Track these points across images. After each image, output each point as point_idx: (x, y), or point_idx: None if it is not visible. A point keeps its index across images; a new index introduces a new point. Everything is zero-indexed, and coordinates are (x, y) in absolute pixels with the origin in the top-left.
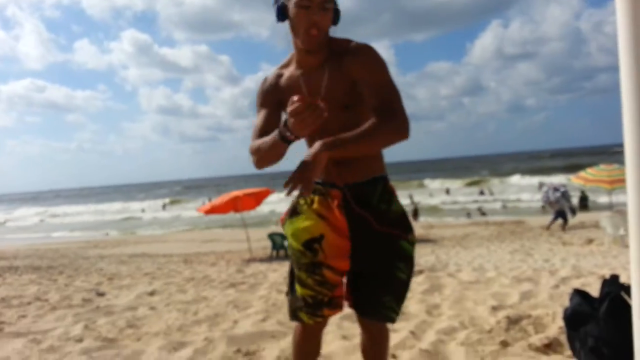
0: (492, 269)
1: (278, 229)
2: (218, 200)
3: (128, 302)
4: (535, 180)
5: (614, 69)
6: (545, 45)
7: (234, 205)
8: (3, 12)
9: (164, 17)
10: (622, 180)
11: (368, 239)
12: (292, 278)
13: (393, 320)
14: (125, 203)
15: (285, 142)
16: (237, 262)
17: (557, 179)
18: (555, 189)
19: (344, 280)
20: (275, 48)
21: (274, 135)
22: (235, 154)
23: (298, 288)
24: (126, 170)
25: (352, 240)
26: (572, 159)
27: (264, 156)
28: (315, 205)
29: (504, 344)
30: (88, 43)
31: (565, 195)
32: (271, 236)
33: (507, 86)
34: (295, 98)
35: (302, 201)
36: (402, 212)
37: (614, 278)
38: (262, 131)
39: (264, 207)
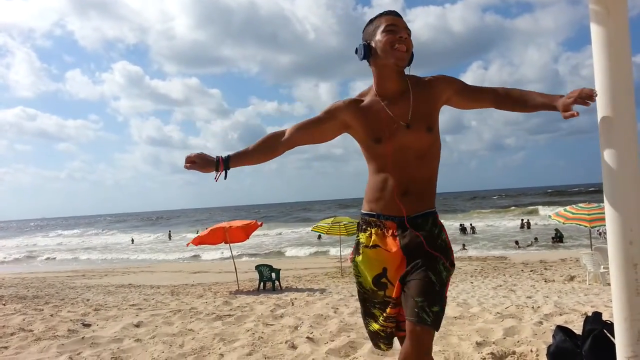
0: (476, 305)
1: (265, 261)
2: (208, 231)
3: (114, 333)
4: (517, 216)
5: (591, 111)
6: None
7: (224, 236)
8: None
9: (156, 50)
10: (602, 219)
11: (417, 257)
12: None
13: (425, 322)
14: (118, 234)
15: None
16: (224, 294)
17: (539, 217)
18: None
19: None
20: (264, 83)
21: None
22: (225, 186)
23: (372, 324)
24: (117, 199)
25: (408, 258)
26: (549, 197)
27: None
28: (372, 238)
29: None
30: (80, 73)
31: None
32: (258, 268)
33: (488, 125)
34: None
35: (362, 239)
36: (447, 245)
37: (597, 315)
38: (304, 127)
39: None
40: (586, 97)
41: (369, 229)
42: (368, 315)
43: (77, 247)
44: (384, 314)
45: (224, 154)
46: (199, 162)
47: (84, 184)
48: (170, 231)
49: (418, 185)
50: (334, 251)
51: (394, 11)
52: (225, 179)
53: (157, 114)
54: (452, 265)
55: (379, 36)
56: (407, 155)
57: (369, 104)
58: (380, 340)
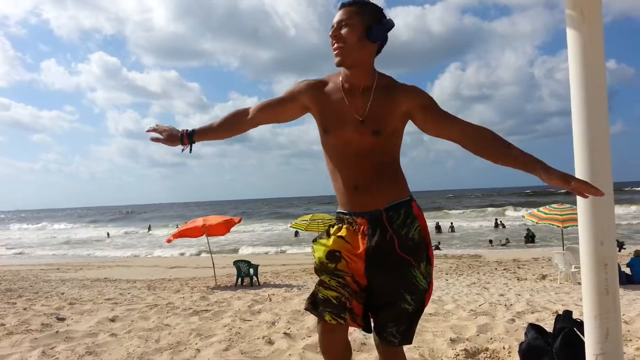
0: (451, 302)
1: (243, 256)
2: (187, 225)
3: (88, 328)
4: (492, 216)
5: (565, 113)
6: (500, 89)
7: (203, 229)
8: None
9: (133, 41)
10: (574, 219)
11: (387, 263)
12: (314, 295)
13: (394, 345)
14: (91, 227)
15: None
16: (201, 289)
17: (513, 217)
18: None
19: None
20: (244, 79)
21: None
22: (203, 181)
23: (322, 290)
24: (92, 192)
25: (371, 264)
26: (523, 198)
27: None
28: (342, 232)
29: None
30: (55, 63)
31: None
32: (236, 263)
33: None
34: None
35: (332, 230)
36: (420, 240)
37: (567, 314)
38: (267, 106)
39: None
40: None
41: (340, 224)
42: (319, 283)
43: (52, 240)
44: (339, 280)
45: (189, 128)
46: (165, 136)
47: (58, 176)
48: (150, 225)
49: (369, 177)
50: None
51: (340, 4)
52: (190, 152)
53: (135, 107)
54: (429, 262)
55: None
56: (351, 150)
57: (330, 91)
58: (328, 308)
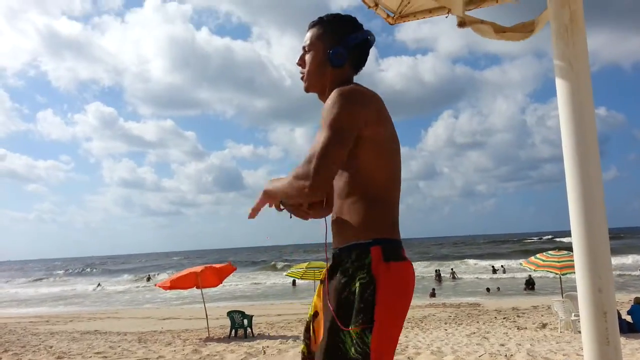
0: (450, 353)
1: (238, 307)
2: (179, 275)
3: None
4: (489, 263)
5: (557, 159)
6: (493, 136)
7: (196, 281)
8: None
9: (130, 92)
10: (571, 266)
11: (325, 315)
12: None
13: None
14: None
15: None
16: (194, 341)
17: (511, 265)
18: None
19: None
20: (240, 127)
21: None
22: (199, 229)
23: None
24: (86, 242)
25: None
26: (521, 245)
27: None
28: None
29: None
30: (52, 114)
31: None
32: (230, 314)
33: (460, 172)
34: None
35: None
36: (360, 296)
37: None
38: None
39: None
40: None
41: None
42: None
43: (42, 291)
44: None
45: None
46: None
47: (52, 226)
48: (149, 275)
49: (336, 209)
50: (309, 297)
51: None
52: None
53: (131, 155)
54: (368, 325)
55: None
56: None
57: None
58: None
